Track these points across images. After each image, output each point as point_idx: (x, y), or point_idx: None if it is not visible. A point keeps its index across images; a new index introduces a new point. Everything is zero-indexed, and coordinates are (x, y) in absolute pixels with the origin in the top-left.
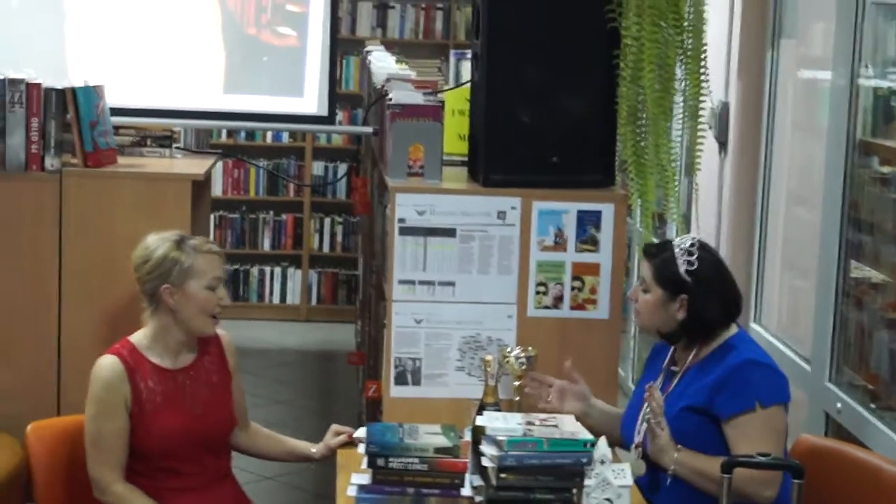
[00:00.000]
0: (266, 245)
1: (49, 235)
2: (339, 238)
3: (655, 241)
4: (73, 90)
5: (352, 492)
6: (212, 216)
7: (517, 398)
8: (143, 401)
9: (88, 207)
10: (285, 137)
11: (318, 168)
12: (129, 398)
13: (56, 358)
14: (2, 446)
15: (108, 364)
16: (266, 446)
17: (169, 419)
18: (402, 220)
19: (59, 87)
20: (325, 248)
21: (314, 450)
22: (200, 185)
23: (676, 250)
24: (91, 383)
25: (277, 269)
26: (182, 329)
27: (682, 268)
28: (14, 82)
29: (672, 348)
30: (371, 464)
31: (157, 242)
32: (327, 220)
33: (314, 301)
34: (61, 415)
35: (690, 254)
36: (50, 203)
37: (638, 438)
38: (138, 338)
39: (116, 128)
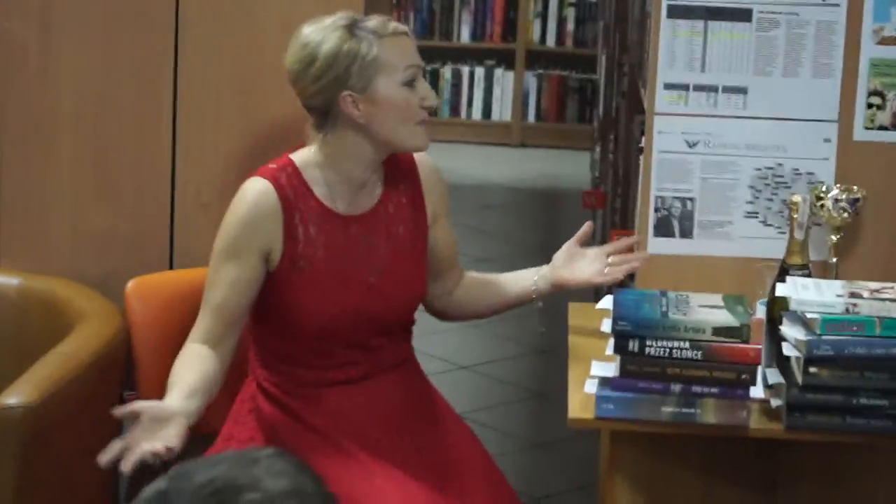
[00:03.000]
0: (465, 35)
1: (162, 19)
2: (569, 26)
3: None
4: None
5: (590, 388)
6: None
7: (835, 259)
8: (296, 254)
9: None
10: None
11: None
12: (279, 248)
13: (169, 196)
14: (93, 313)
15: (257, 190)
16: (481, 301)
17: (330, 288)
18: None
19: None
20: (550, 42)
21: (533, 286)
22: None
23: None
24: (229, 211)
25: (480, 71)
26: (374, 151)
27: None
28: None
29: None
30: (620, 348)
31: (318, 34)
32: (553, 0)
33: (532, 117)
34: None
35: None
36: None
37: None
38: (304, 158)
39: None
